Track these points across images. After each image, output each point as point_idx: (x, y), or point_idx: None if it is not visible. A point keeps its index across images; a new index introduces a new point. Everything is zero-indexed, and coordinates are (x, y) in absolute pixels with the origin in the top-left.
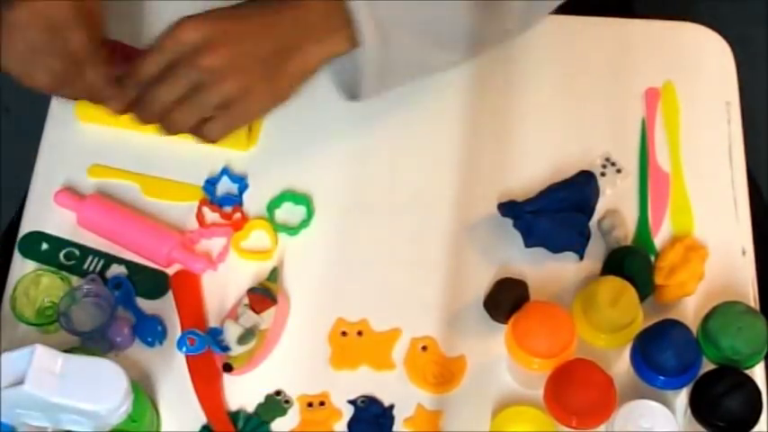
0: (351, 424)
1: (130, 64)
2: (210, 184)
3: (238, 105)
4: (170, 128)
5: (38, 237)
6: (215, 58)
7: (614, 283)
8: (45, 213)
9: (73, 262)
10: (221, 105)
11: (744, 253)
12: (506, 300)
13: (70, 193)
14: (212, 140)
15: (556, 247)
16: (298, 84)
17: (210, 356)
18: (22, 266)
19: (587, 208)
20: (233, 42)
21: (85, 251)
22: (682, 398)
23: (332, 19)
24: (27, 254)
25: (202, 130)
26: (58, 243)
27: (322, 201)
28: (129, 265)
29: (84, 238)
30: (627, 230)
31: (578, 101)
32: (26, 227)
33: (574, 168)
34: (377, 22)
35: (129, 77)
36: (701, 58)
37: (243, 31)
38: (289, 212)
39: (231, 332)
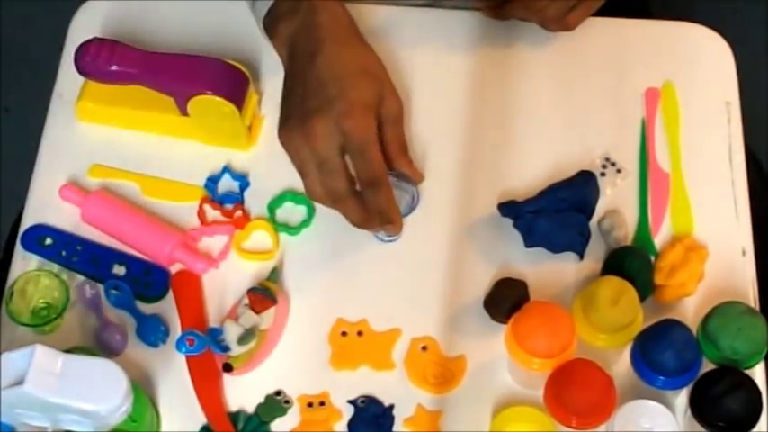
0: (351, 424)
1: None
2: (212, 181)
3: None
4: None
5: (41, 231)
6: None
7: (614, 283)
8: (46, 213)
9: (75, 258)
10: None
11: (744, 253)
12: (506, 300)
13: (75, 187)
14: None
15: (556, 247)
16: None
17: (210, 356)
18: (23, 266)
19: (587, 208)
20: None
21: (88, 248)
22: (682, 398)
23: None
24: (30, 248)
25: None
26: (61, 237)
27: None
28: (130, 264)
29: (86, 238)
30: (627, 230)
31: (578, 101)
32: (27, 227)
33: (574, 168)
34: None
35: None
36: (701, 58)
37: None
38: (289, 212)
39: (231, 332)
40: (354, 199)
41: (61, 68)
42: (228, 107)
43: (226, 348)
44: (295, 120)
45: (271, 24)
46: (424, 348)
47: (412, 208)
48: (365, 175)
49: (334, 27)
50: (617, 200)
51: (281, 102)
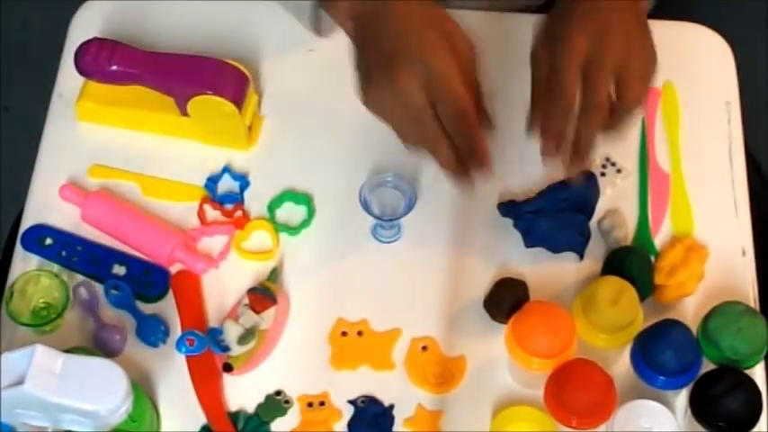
0: (351, 424)
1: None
2: (212, 181)
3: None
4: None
5: (41, 231)
6: (617, 40)
7: (614, 283)
8: (46, 213)
9: (75, 258)
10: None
11: (744, 253)
12: (506, 300)
13: (75, 187)
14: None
15: (556, 247)
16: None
17: (210, 356)
18: (23, 266)
19: (587, 208)
20: (609, 22)
21: (88, 248)
22: (682, 398)
23: None
24: (30, 248)
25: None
26: (61, 237)
27: (323, 201)
28: (130, 264)
29: (86, 238)
30: (627, 230)
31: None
32: (27, 227)
33: None
34: None
35: (558, 115)
36: (701, 58)
37: (605, 11)
38: (289, 212)
39: (231, 332)
40: (446, 139)
41: (61, 68)
42: (228, 107)
43: (226, 348)
44: (377, 75)
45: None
46: (424, 348)
47: (409, 208)
48: (452, 109)
49: None
50: (617, 200)
51: (355, 69)
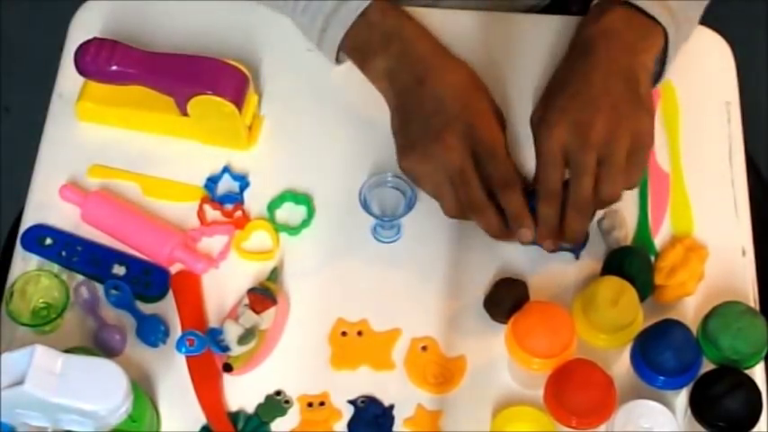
0: (351, 424)
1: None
2: (212, 181)
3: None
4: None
5: (41, 231)
6: (600, 129)
7: (614, 283)
8: (46, 213)
9: (75, 258)
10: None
11: (744, 253)
12: (506, 300)
13: (75, 187)
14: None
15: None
16: (651, 88)
17: (210, 356)
18: (23, 266)
19: None
20: (595, 107)
21: (88, 248)
22: (682, 398)
23: (638, 26)
24: (30, 248)
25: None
26: (61, 237)
27: (323, 201)
28: (130, 264)
29: (86, 238)
30: (627, 230)
31: None
32: (27, 227)
33: None
34: (668, 10)
35: (545, 204)
36: (701, 58)
37: (594, 91)
38: (289, 212)
39: (231, 332)
40: (493, 208)
41: (61, 68)
42: (228, 107)
43: (226, 348)
44: (422, 143)
45: (362, 59)
46: (424, 348)
47: (409, 208)
48: (499, 177)
49: (432, 49)
50: None
51: (396, 134)
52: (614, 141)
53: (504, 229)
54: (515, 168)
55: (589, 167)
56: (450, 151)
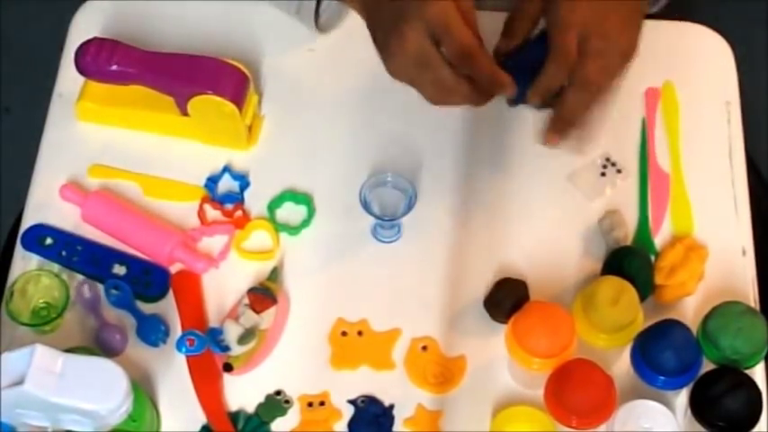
0: (351, 424)
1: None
2: (212, 181)
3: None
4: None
5: (41, 231)
6: (612, 25)
7: (614, 283)
8: (46, 213)
9: (75, 258)
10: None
11: (744, 253)
12: (506, 300)
13: (75, 187)
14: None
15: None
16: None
17: (210, 356)
18: (23, 266)
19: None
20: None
21: (88, 248)
22: (682, 398)
23: None
24: (30, 248)
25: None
26: (61, 237)
27: (323, 201)
28: (130, 264)
29: (86, 238)
30: (627, 230)
31: None
32: (27, 227)
33: (573, 166)
34: None
35: (554, 63)
36: (701, 58)
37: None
38: (289, 212)
39: (231, 332)
40: (465, 82)
41: (61, 68)
42: (228, 107)
43: (226, 348)
44: (387, 43)
45: None
46: (424, 348)
47: (409, 208)
48: (456, 49)
49: None
50: (617, 200)
51: (375, 46)
52: (615, 42)
53: (483, 94)
54: (473, 35)
55: (598, 54)
56: (407, 41)
